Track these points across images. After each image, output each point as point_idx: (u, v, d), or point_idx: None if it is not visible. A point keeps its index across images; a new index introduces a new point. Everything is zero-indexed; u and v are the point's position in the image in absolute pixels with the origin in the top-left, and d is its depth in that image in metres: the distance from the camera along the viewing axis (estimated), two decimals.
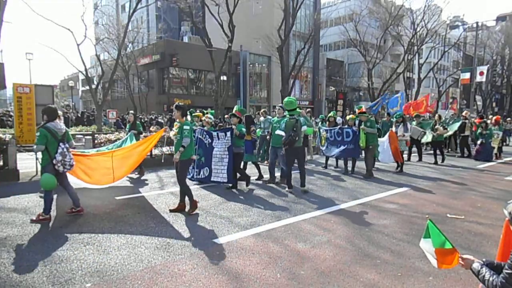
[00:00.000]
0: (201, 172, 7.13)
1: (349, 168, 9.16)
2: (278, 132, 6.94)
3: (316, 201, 6.14)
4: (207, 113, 8.42)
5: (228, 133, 6.79)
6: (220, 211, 5.46)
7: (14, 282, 3.13)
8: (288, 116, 6.71)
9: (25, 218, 4.93)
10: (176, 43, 34.29)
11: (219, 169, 6.84)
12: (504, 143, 13.71)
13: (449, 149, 13.96)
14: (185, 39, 40.51)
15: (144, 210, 5.45)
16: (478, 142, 12.01)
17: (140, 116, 20.80)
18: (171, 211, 5.34)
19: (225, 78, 23.88)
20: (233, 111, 7.35)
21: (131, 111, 9.47)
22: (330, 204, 5.96)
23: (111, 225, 4.71)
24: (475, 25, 27.90)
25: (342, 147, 8.93)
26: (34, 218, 4.78)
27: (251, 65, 35.08)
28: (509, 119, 21.74)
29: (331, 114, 10.38)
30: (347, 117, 10.12)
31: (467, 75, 26.44)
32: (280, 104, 7.86)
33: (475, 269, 2.19)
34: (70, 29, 19.55)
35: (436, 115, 12.88)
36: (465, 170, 9.91)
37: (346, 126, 9.33)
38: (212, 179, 6.93)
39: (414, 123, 11.29)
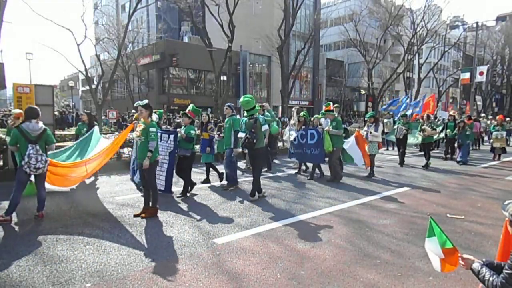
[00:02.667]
0: (137, 175, 6.44)
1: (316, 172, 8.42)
2: (240, 134, 6.37)
3: (316, 201, 6.14)
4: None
5: (172, 137, 6.19)
6: (220, 211, 5.46)
7: (14, 282, 3.13)
8: (246, 115, 6.23)
9: (25, 218, 4.93)
10: (176, 43, 34.31)
11: (157, 174, 5.95)
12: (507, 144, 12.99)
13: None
14: (185, 39, 40.52)
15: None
16: (456, 144, 11.22)
17: None
18: (142, 217, 5.00)
19: (225, 78, 23.86)
20: (186, 110, 6.57)
21: (85, 111, 9.13)
22: (330, 204, 5.96)
23: (111, 225, 4.71)
24: (475, 25, 27.92)
25: (307, 152, 8.11)
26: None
27: (251, 65, 35.09)
28: (508, 119, 21.61)
29: (302, 114, 8.97)
30: (314, 116, 9.23)
31: (467, 75, 26.47)
32: (228, 104, 7.40)
33: (475, 269, 2.19)
34: (70, 29, 19.49)
35: (424, 115, 11.89)
36: (465, 170, 9.91)
37: (310, 127, 8.52)
38: None
39: (400, 122, 10.57)
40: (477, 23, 27.41)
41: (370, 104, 19.82)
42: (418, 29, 30.99)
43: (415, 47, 32.48)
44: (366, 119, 9.15)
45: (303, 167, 9.23)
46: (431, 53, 36.39)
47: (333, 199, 6.34)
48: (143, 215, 5.06)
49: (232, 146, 6.85)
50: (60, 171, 5.52)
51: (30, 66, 67.47)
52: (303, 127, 8.51)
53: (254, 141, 5.92)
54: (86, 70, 18.22)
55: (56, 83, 52.06)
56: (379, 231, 4.59)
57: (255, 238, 4.30)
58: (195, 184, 6.76)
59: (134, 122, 6.00)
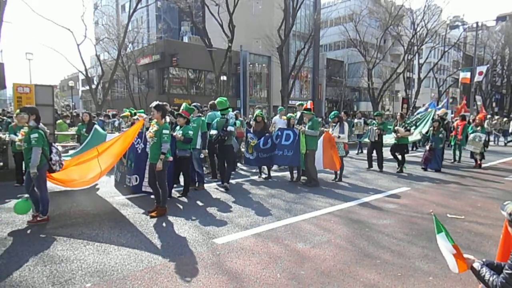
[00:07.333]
0: (130, 180, 6.41)
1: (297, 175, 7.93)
2: (212, 131, 6.91)
3: (316, 201, 6.14)
4: (135, 113, 7.62)
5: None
6: (220, 211, 5.46)
7: (14, 282, 3.13)
8: (218, 114, 6.99)
9: (25, 218, 4.92)
10: (176, 43, 34.26)
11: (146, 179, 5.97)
12: (486, 148, 10.55)
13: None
14: (185, 39, 40.47)
15: (144, 210, 5.44)
16: (427, 147, 9.76)
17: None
18: (151, 217, 5.04)
19: (225, 78, 23.90)
20: (180, 110, 6.36)
21: (85, 112, 9.11)
22: (330, 204, 5.96)
23: (111, 225, 4.71)
24: (475, 25, 27.92)
25: (278, 153, 7.60)
26: (31, 220, 4.74)
27: (251, 65, 35.09)
28: (506, 119, 21.47)
29: (257, 113, 8.29)
30: (288, 115, 8.30)
31: (467, 75, 26.43)
32: (194, 104, 7.60)
33: (475, 269, 2.19)
34: (70, 29, 19.58)
35: (398, 114, 10.32)
36: (465, 170, 9.91)
37: (286, 127, 7.94)
38: (143, 189, 6.21)
39: (374, 122, 9.68)
40: (477, 23, 27.40)
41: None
42: (418, 29, 31.00)
43: (415, 47, 32.49)
44: (330, 119, 8.25)
45: (266, 172, 8.35)
46: (431, 53, 36.42)
47: (333, 199, 6.34)
48: (153, 214, 5.09)
49: (199, 147, 6.98)
50: (72, 173, 5.42)
51: (30, 66, 67.48)
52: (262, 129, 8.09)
53: (226, 138, 6.72)
54: (86, 70, 18.26)
55: (56, 83, 51.99)
56: (379, 231, 4.59)
57: (255, 238, 4.30)
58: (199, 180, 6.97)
59: (145, 118, 6.08)
